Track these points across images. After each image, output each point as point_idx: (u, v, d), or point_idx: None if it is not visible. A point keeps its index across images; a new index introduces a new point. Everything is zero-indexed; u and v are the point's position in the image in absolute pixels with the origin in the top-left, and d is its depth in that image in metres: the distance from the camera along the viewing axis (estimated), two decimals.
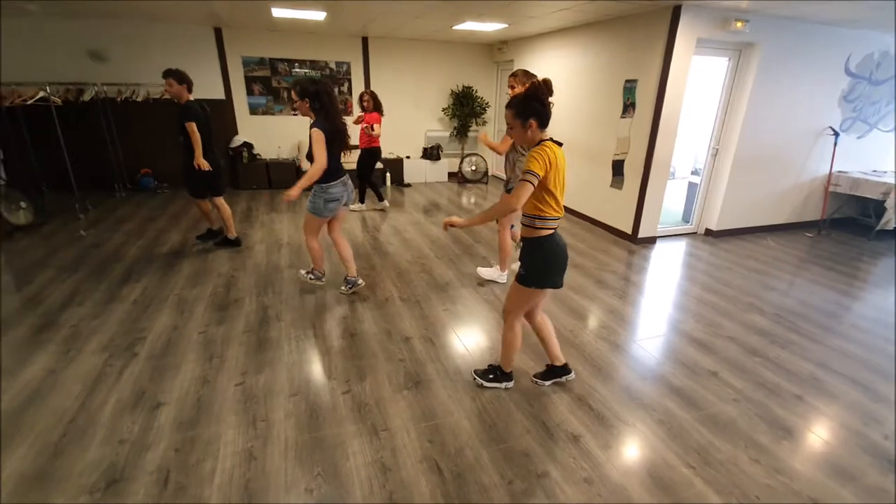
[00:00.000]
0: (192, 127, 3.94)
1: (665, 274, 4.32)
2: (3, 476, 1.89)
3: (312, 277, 3.68)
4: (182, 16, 5.84)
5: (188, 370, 2.64)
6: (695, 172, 6.36)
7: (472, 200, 6.99)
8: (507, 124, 2.12)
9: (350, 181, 3.39)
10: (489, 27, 5.91)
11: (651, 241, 5.06)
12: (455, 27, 5.93)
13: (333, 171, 3.18)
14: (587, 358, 2.86)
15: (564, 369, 2.58)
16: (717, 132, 5.06)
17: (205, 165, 4.06)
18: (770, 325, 3.36)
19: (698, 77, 5.41)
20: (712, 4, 4.06)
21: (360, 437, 2.15)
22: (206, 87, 6.83)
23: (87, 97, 6.13)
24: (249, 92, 7.14)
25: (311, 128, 3.05)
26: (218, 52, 6.80)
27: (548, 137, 2.05)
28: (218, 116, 6.97)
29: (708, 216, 5.37)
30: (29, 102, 5.12)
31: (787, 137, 5.18)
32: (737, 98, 4.86)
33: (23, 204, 4.89)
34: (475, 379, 2.58)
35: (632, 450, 2.15)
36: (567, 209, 6.24)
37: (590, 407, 2.41)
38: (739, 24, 4.24)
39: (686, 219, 5.59)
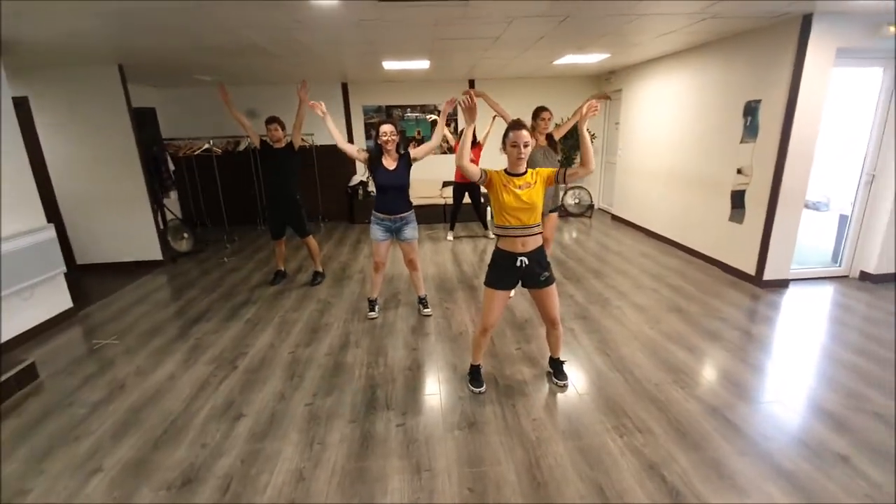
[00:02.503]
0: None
1: (796, 325, 3.59)
2: (111, 460, 2.28)
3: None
4: (318, 77, 6.78)
5: (272, 386, 2.92)
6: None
7: (574, 235, 6.69)
8: (525, 143, 2.34)
9: None
10: (591, 59, 5.76)
11: (781, 284, 4.27)
12: (556, 62, 5.90)
13: None
14: (671, 419, 2.48)
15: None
16: (871, 156, 4.16)
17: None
18: None
19: (844, 91, 4.57)
20: (853, 9, 3.43)
21: (401, 474, 2.14)
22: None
23: (241, 147, 7.40)
24: (367, 136, 7.92)
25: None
26: (343, 103, 7.71)
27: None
28: (341, 159, 7.86)
29: (863, 256, 4.36)
30: (197, 152, 6.35)
31: None
32: None
33: (185, 235, 6.01)
34: (558, 385, 2.81)
35: None
36: (675, 244, 5.64)
37: (663, 479, 2.07)
38: (893, 29, 3.49)
39: (837, 259, 4.62)
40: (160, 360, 3.31)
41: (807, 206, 7.63)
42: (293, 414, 2.62)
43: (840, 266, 4.50)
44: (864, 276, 4.37)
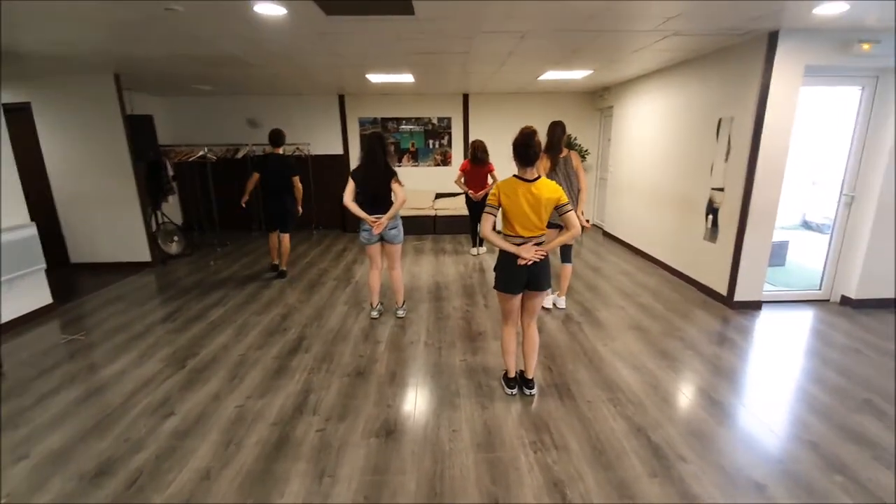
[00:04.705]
0: (296, 180, 4.94)
1: (757, 349, 3.47)
2: (39, 448, 2.37)
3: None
4: (317, 89, 7.02)
5: (210, 386, 2.98)
6: None
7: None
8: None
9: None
10: (576, 75, 5.76)
11: (754, 306, 4.13)
12: (540, 77, 5.92)
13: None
14: (591, 437, 2.42)
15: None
16: (850, 176, 4.02)
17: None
18: (884, 434, 2.43)
19: (825, 111, 4.46)
20: (822, 25, 3.36)
21: (303, 478, 2.15)
22: (330, 144, 7.94)
23: (240, 155, 7.63)
24: (362, 148, 8.05)
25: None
26: (340, 115, 7.89)
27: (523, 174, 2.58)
28: (336, 169, 8.04)
29: (844, 280, 4.19)
30: (191, 159, 6.58)
31: None
32: (877, 134, 3.83)
33: (176, 238, 6.22)
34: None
35: None
36: (658, 262, 5.53)
37: (563, 497, 2.02)
38: (866, 47, 3.40)
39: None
40: (116, 356, 3.42)
41: (810, 228, 7.50)
42: (221, 415, 2.67)
43: (820, 290, 4.33)
44: (845, 301, 4.19)
